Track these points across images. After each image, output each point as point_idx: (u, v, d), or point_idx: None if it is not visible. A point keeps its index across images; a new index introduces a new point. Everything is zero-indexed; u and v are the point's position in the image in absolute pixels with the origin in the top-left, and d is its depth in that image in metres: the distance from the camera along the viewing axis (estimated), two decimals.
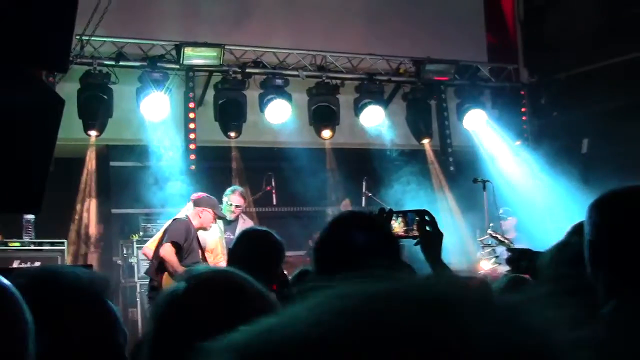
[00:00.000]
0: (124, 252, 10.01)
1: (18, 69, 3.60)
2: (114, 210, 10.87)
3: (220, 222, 8.24)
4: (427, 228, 2.80)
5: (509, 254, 3.82)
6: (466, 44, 11.53)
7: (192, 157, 9.81)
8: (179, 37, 9.77)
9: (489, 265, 8.39)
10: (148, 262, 8.12)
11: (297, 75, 10.45)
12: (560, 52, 11.25)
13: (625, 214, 1.90)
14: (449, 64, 11.05)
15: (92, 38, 9.01)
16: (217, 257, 8.07)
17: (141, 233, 9.80)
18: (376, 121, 10.70)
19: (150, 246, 7.90)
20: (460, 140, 11.46)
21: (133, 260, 9.69)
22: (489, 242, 8.12)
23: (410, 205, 9.65)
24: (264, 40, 10.29)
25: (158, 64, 9.66)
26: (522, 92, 11.82)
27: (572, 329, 0.67)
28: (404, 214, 2.86)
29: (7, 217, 8.28)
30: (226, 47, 9.80)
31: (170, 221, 7.70)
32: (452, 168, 11.21)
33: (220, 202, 8.20)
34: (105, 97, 9.40)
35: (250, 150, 10.73)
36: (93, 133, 9.44)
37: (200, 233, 7.80)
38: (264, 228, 4.19)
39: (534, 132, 11.87)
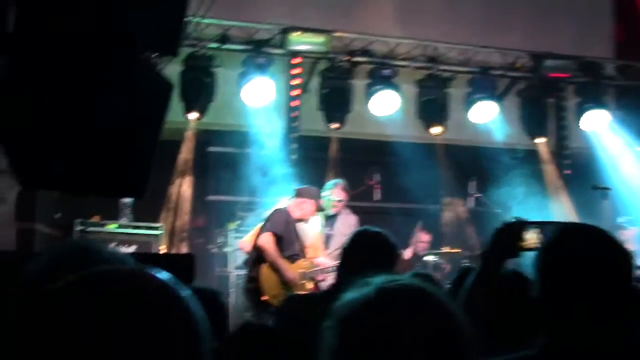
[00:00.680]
0: (219, 240, 10.13)
1: (129, 53, 3.71)
2: (209, 197, 11.04)
3: (320, 216, 8.27)
4: None
5: None
6: (590, 39, 11.22)
7: (294, 146, 9.89)
8: (286, 21, 9.85)
9: None
10: (244, 253, 8.22)
11: (407, 66, 10.39)
12: None
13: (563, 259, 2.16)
14: (570, 60, 10.78)
15: (197, 19, 9.14)
16: (316, 251, 8.09)
17: (238, 222, 9.89)
18: (488, 118, 10.55)
19: (247, 240, 7.99)
20: (579, 141, 11.17)
21: (228, 249, 9.79)
22: None
23: (520, 209, 9.66)
24: (374, 28, 10.26)
25: (262, 49, 9.74)
26: None
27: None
28: (541, 225, 2.82)
29: (106, 199, 8.49)
30: (334, 33, 9.83)
31: (270, 211, 7.77)
32: (568, 171, 10.97)
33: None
34: (208, 80, 9.56)
35: (352, 142, 10.72)
36: (194, 115, 9.58)
37: (300, 226, 7.85)
38: (379, 229, 4.18)
39: None
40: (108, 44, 3.55)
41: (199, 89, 9.56)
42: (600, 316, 2.10)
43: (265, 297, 7.37)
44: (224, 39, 9.66)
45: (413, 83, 10.59)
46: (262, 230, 7.56)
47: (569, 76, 10.95)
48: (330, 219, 8.43)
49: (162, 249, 9.12)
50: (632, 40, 11.71)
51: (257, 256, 7.55)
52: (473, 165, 10.40)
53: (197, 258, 3.56)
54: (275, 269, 7.48)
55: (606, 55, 11.43)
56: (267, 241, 7.43)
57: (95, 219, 8.93)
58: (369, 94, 10.20)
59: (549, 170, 11.18)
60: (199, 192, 10.59)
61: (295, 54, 9.93)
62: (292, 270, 7.58)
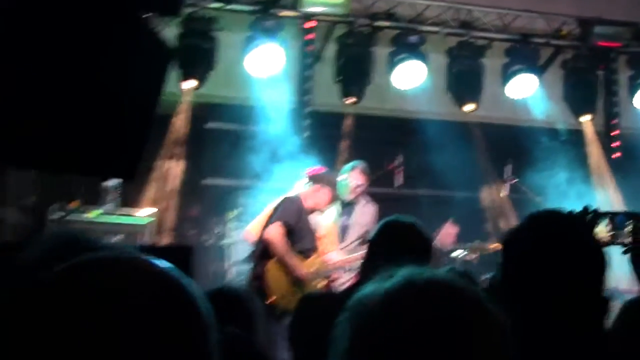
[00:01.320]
0: (216, 231, 10.12)
1: (125, 11, 3.58)
2: (205, 181, 11.00)
3: (336, 205, 8.21)
4: None
5: None
6: None
7: (305, 122, 9.89)
8: None
9: None
10: (246, 245, 8.15)
11: (436, 32, 10.31)
12: None
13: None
14: (623, 27, 10.70)
15: None
16: (330, 245, 8.03)
17: (238, 210, 9.86)
18: (527, 92, 10.50)
19: (253, 228, 7.87)
20: (630, 121, 11.10)
21: (227, 242, 9.77)
22: None
23: (560, 195, 9.69)
24: None
25: (271, 10, 9.67)
26: None
27: None
28: (612, 216, 2.93)
29: (89, 180, 8.51)
30: None
31: (280, 199, 7.66)
32: (618, 154, 10.91)
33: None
34: (208, 45, 9.47)
35: (372, 119, 10.68)
36: (190, 84, 9.48)
37: (312, 216, 7.79)
38: (411, 219, 4.07)
39: None
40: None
41: (198, 55, 9.49)
42: (554, 312, 2.29)
43: (272, 299, 7.29)
44: None
45: (443, 52, 10.51)
46: (271, 220, 7.45)
47: (621, 45, 10.87)
48: (347, 208, 8.38)
49: (154, 241, 8.99)
50: None
51: (262, 250, 7.43)
52: (509, 146, 10.35)
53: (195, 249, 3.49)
54: (284, 265, 7.38)
55: None
56: (276, 233, 7.31)
57: (74, 204, 8.70)
58: (392, 64, 10.14)
59: (595, 153, 11.09)
60: (194, 174, 10.55)
61: (309, 16, 9.88)
62: (304, 267, 7.51)
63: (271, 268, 7.37)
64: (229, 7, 9.60)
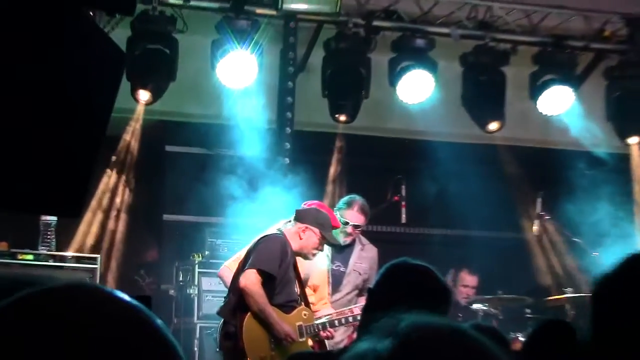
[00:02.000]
0: (180, 278, 10.09)
1: (74, 10, 3.59)
2: (167, 217, 11.00)
3: (326, 249, 8.22)
4: None
5: None
6: None
7: (287, 146, 9.91)
8: None
9: None
10: (218, 295, 8.21)
11: (448, 35, 10.31)
12: None
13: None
14: None
15: None
16: (321, 295, 8.14)
17: (206, 253, 9.90)
18: (561, 108, 10.49)
19: (231, 265, 7.89)
20: None
21: (193, 291, 9.78)
22: None
23: (599, 235, 9.68)
24: None
25: (246, 8, 9.67)
26: None
27: None
28: None
29: (19, 218, 8.50)
30: None
31: (256, 239, 7.64)
32: None
33: None
34: (167, 51, 9.47)
35: (368, 141, 10.80)
36: (145, 97, 9.49)
37: (300, 261, 7.80)
38: (421, 263, 4.04)
39: None
40: None
41: (154, 62, 9.51)
42: None
43: None
44: None
45: (456, 59, 10.54)
46: (246, 265, 7.43)
47: None
48: (342, 251, 8.47)
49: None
50: None
51: (237, 302, 7.44)
52: (540, 175, 10.48)
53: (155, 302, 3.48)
54: (263, 320, 7.39)
55: None
56: (252, 282, 7.32)
57: (2, 246, 8.84)
58: (393, 75, 10.19)
59: None
60: (150, 209, 10.72)
61: (292, 16, 9.92)
62: (287, 323, 7.49)
63: (247, 324, 7.36)
64: (192, 3, 9.62)
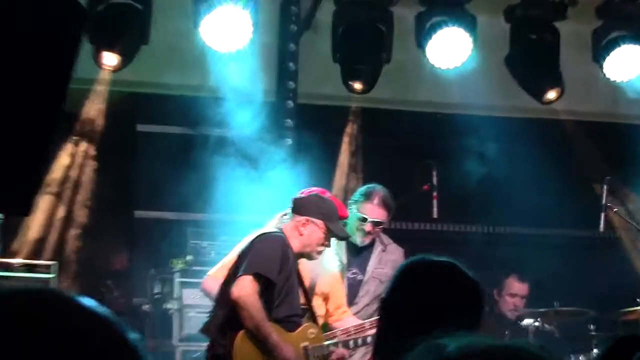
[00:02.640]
0: (156, 290, 10.16)
1: None
2: (139, 213, 11.11)
3: (338, 247, 8.21)
4: None
5: None
6: None
7: (289, 122, 9.93)
8: None
9: None
10: (203, 310, 8.25)
11: None
12: None
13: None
14: None
15: None
16: (337, 308, 8.14)
17: (189, 258, 9.91)
18: (632, 72, 10.47)
19: (217, 274, 7.85)
20: None
21: (173, 305, 9.82)
22: None
23: None
24: None
25: None
26: None
27: None
28: None
29: None
30: None
31: (251, 238, 7.55)
32: None
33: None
34: (139, 5, 9.49)
35: (390, 116, 10.82)
36: (111, 62, 9.55)
37: (306, 264, 7.82)
38: (451, 260, 3.93)
39: None
40: None
41: (123, 20, 9.55)
42: None
43: None
44: None
45: (500, 13, 10.56)
46: (238, 271, 7.33)
47: None
48: (358, 254, 8.54)
49: None
50: None
51: (227, 317, 7.38)
52: (607, 156, 10.49)
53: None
54: (260, 340, 7.30)
55: None
56: (248, 292, 7.19)
57: None
58: (422, 33, 10.20)
59: None
60: (119, 204, 10.75)
61: None
62: (290, 344, 7.43)
63: (240, 345, 7.29)
64: None
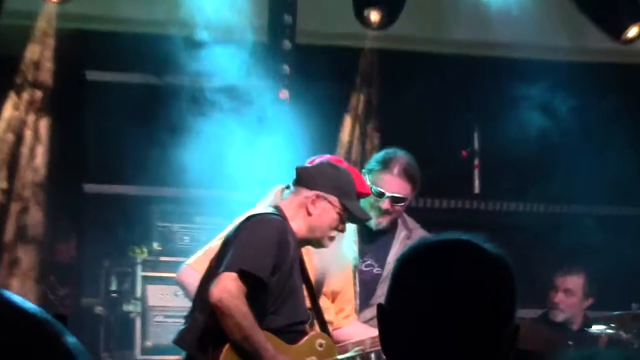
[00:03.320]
0: (112, 287, 10.11)
1: None
2: (89, 187, 11.17)
3: (351, 231, 8.07)
4: None
5: None
6: None
7: (286, 68, 9.77)
8: None
9: None
10: (174, 313, 8.48)
11: None
12: None
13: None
14: None
15: None
16: (340, 311, 8.25)
17: (155, 246, 9.95)
18: None
19: (197, 265, 7.75)
20: None
21: (134, 307, 9.75)
22: None
23: None
24: None
25: None
26: None
27: None
28: None
29: None
30: None
31: (237, 222, 7.47)
32: None
33: None
34: None
35: (418, 60, 10.83)
36: None
37: (310, 254, 7.84)
38: (477, 238, 3.49)
39: None
40: None
41: None
42: None
43: None
44: None
45: None
46: (221, 265, 7.16)
47: None
48: (374, 241, 8.65)
49: None
50: None
51: (208, 325, 7.28)
52: None
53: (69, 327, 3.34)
54: (250, 355, 7.20)
55: None
56: (232, 293, 7.05)
57: None
58: None
59: None
60: (64, 176, 10.69)
61: None
62: (293, 358, 7.42)
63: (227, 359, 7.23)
64: None
